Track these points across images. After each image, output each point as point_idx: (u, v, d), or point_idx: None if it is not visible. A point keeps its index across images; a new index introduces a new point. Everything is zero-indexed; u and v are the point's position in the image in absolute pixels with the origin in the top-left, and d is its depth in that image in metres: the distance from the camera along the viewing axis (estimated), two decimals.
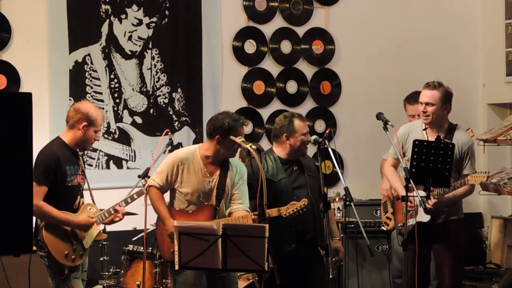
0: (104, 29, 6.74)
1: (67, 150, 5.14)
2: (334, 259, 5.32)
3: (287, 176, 5.33)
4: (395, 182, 5.69)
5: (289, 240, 5.24)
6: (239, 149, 6.21)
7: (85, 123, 5.11)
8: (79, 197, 5.23)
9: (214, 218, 5.03)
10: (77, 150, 5.25)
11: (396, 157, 5.66)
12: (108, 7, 6.74)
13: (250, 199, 5.12)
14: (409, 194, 5.27)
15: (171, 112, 6.93)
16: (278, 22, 7.30)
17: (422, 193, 5.34)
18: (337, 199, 6.86)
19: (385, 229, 6.38)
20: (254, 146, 4.94)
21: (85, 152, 6.61)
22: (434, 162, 5.23)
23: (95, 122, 5.14)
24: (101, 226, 5.43)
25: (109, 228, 5.64)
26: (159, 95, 6.90)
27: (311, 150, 6.24)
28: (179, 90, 6.96)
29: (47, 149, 5.09)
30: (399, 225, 5.59)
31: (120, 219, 5.37)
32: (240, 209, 5.14)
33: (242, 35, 7.18)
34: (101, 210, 5.32)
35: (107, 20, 6.74)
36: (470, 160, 5.59)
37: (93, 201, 5.38)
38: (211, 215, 5.05)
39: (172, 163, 5.11)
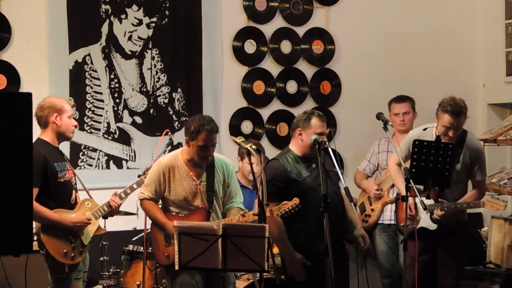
0: (104, 29, 6.73)
1: (51, 148, 5.21)
2: (363, 246, 5.20)
3: (310, 175, 5.13)
4: (399, 183, 5.67)
5: (320, 239, 4.90)
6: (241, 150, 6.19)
7: (55, 114, 5.20)
8: (74, 192, 5.26)
9: (207, 220, 5.03)
10: (59, 147, 5.30)
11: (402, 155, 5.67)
12: (108, 7, 6.73)
13: (275, 200, 4.94)
14: (411, 200, 5.29)
15: (171, 112, 6.93)
16: (278, 22, 7.29)
17: (430, 201, 5.38)
18: None
19: (363, 226, 6.43)
20: (254, 146, 4.94)
21: (85, 152, 6.63)
22: (434, 162, 5.23)
23: (63, 109, 5.23)
24: (100, 222, 5.45)
25: (109, 228, 5.65)
26: (159, 95, 6.90)
27: None
28: (179, 90, 6.95)
29: None
30: (401, 224, 5.60)
31: (115, 208, 5.38)
32: (233, 206, 5.15)
33: (242, 35, 7.18)
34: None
35: (107, 20, 6.74)
36: (481, 165, 5.64)
37: (90, 197, 5.41)
38: (204, 217, 5.04)
39: (158, 173, 5.11)
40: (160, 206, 5.23)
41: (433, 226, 5.52)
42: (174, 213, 5.10)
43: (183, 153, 5.15)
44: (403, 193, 5.44)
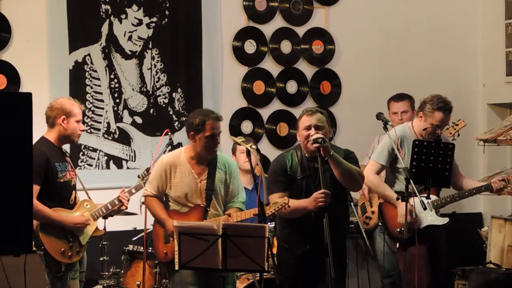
0: (104, 29, 6.74)
1: (53, 147, 5.23)
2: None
3: (311, 175, 4.99)
4: (386, 190, 5.61)
5: (301, 241, 4.97)
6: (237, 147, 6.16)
7: (63, 116, 5.21)
8: (73, 192, 5.27)
9: (204, 219, 5.05)
10: (62, 147, 5.31)
11: (382, 162, 5.61)
12: (108, 7, 6.73)
13: (278, 191, 4.96)
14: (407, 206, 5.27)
15: (171, 112, 6.93)
16: (278, 22, 7.29)
17: (434, 197, 5.39)
18: None
19: (364, 228, 6.40)
20: (254, 146, 4.94)
21: (85, 152, 6.64)
22: (434, 162, 5.24)
23: (72, 113, 5.23)
24: (100, 222, 5.45)
25: (109, 228, 5.65)
26: (159, 95, 6.90)
27: None
28: (179, 90, 6.95)
29: (34, 149, 5.11)
30: (397, 230, 5.55)
31: (126, 207, 5.42)
32: (232, 206, 5.16)
33: (242, 35, 7.18)
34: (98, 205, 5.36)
35: (107, 20, 6.74)
36: None
37: (89, 198, 5.42)
38: (201, 216, 5.07)
39: (159, 171, 5.14)
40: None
41: (444, 220, 5.51)
42: (174, 210, 5.13)
43: (186, 151, 5.17)
44: (393, 200, 5.44)
